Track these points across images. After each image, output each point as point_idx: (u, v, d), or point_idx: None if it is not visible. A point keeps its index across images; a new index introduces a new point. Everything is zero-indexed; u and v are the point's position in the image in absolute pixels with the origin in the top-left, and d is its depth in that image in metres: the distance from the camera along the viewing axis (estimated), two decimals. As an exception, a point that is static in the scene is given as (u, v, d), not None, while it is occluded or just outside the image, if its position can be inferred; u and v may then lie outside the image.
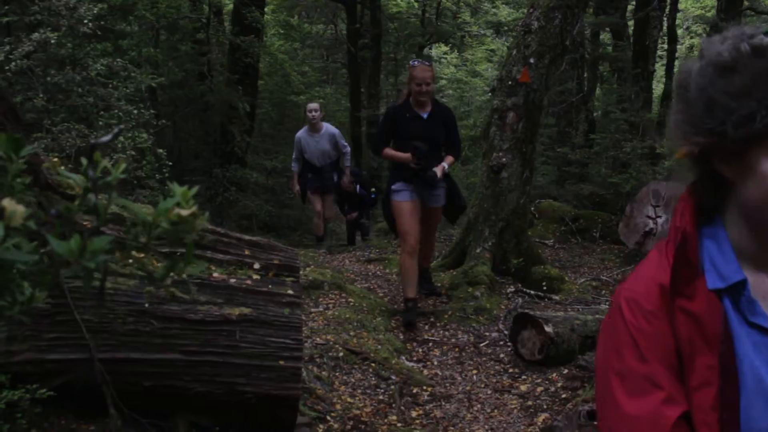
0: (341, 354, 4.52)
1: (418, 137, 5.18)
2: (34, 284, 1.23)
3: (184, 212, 1.15)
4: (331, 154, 8.41)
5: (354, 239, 10.45)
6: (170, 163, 6.10)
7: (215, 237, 3.02)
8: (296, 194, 8.87)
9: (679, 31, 15.17)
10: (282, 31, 16.83)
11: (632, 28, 12.09)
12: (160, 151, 6.04)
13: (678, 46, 14.03)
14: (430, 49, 19.62)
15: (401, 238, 5.40)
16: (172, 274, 1.28)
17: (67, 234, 1.16)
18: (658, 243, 1.03)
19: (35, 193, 2.59)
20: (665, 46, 12.80)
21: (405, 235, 5.30)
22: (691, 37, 17.65)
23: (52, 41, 5.48)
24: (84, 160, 1.21)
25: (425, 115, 5.28)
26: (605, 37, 14.03)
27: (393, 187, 5.37)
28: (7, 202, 1.09)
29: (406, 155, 5.18)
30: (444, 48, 20.24)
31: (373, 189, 10.54)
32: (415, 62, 5.40)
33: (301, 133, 8.46)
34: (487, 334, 5.27)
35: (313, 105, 8.50)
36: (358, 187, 10.21)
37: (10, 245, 1.12)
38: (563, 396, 4.30)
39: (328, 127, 8.45)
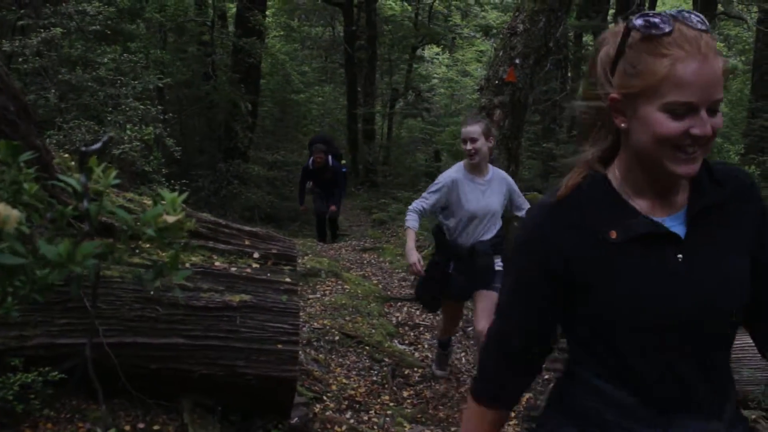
0: (337, 338, 4.53)
1: None
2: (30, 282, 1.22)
3: (171, 219, 1.15)
4: (497, 219, 4.07)
5: (325, 235, 8.96)
6: (179, 149, 6.03)
7: (217, 228, 3.02)
8: (415, 276, 4.42)
9: (658, 34, 15.10)
10: (283, 33, 16.77)
11: (613, 30, 12.06)
12: (168, 140, 5.96)
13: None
14: (423, 50, 19.55)
15: None
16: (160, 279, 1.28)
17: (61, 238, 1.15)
18: None
19: (47, 188, 2.57)
20: (644, 47, 12.75)
21: None
22: (669, 39, 17.59)
23: (63, 44, 5.45)
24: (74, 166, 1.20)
25: None
26: (588, 38, 14.01)
27: None
28: (2, 207, 1.08)
29: None
30: (436, 49, 20.16)
31: (343, 162, 9.08)
32: None
33: (455, 173, 4.01)
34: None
35: (473, 128, 3.91)
36: (330, 158, 8.61)
37: (5, 248, 1.10)
38: (545, 377, 4.32)
39: (497, 171, 4.15)
